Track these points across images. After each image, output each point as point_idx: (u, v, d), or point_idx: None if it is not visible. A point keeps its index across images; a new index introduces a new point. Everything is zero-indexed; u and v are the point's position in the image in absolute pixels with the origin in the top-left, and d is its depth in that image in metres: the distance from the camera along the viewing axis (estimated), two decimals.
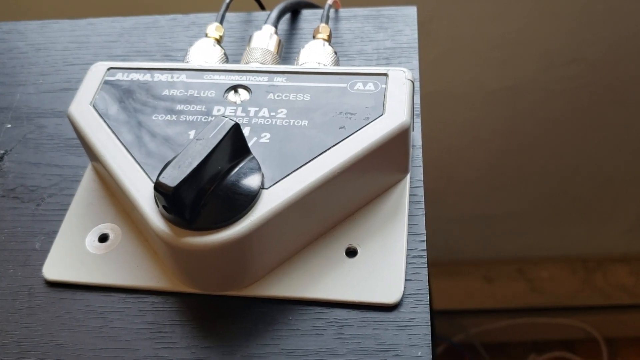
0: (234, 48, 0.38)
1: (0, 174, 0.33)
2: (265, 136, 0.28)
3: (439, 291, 0.95)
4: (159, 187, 0.24)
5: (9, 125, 0.36)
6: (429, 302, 0.27)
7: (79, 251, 0.29)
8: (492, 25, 0.68)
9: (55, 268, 0.29)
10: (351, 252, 0.28)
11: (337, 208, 0.28)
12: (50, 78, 0.38)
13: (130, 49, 0.39)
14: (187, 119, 0.29)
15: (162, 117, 0.29)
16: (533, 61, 0.72)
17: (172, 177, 0.23)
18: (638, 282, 1.03)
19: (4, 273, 0.29)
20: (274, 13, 0.36)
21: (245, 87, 0.30)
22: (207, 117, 0.29)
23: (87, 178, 0.32)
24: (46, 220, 0.31)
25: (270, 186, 0.26)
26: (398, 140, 0.28)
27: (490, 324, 1.02)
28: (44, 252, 0.30)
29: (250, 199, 0.25)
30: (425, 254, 0.28)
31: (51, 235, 0.30)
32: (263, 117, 0.29)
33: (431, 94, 0.73)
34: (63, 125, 0.35)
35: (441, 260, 1.02)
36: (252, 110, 0.29)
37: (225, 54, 0.34)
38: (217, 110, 0.29)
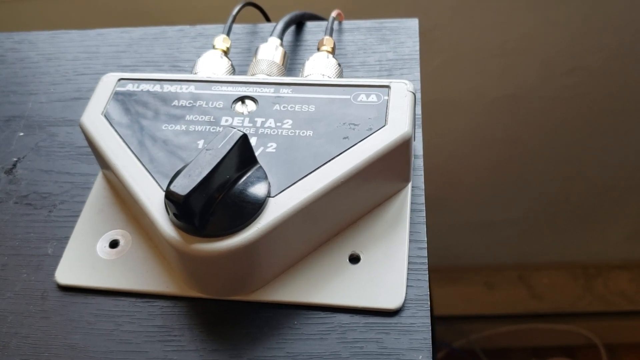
0: (241, 59, 0.39)
1: (13, 182, 0.34)
2: (271, 146, 0.29)
3: (440, 297, 0.96)
4: (170, 196, 0.24)
5: (22, 134, 0.37)
6: (429, 308, 0.27)
7: (91, 256, 0.30)
8: (493, 34, 0.69)
9: (67, 273, 0.30)
10: (354, 259, 0.29)
11: (340, 216, 0.29)
12: (61, 87, 0.39)
13: (139, 59, 0.40)
14: (196, 129, 0.30)
15: (171, 127, 0.30)
16: (533, 69, 0.73)
17: (183, 186, 0.24)
18: (638, 288, 1.03)
19: (18, 277, 0.30)
20: (280, 25, 0.37)
21: (252, 98, 0.31)
22: (215, 127, 0.30)
23: (98, 185, 0.33)
24: (58, 227, 0.32)
25: (277, 194, 0.27)
26: (400, 150, 0.29)
27: (491, 330, 1.03)
28: (57, 257, 0.30)
29: (257, 207, 0.26)
30: (426, 260, 0.29)
31: (63, 241, 0.31)
32: (269, 127, 0.29)
33: (432, 102, 0.74)
34: (74, 134, 0.36)
35: (442, 266, 1.03)
36: (259, 120, 0.30)
37: (232, 65, 0.35)
38: (225, 120, 0.30)
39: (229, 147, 0.26)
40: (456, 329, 1.03)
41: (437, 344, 0.97)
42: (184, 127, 0.30)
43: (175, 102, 0.31)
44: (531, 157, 0.85)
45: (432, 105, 0.73)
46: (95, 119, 0.31)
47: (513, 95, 0.76)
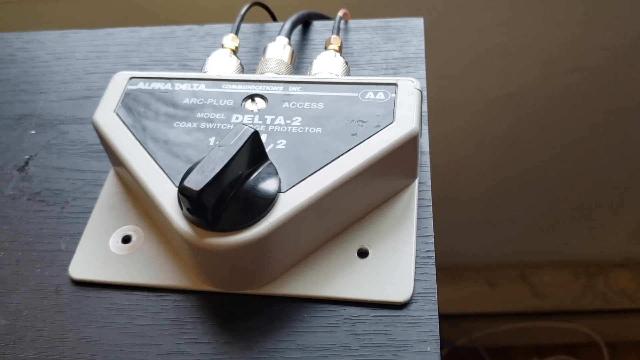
0: (249, 58, 0.39)
1: (25, 179, 0.35)
2: (281, 143, 0.29)
3: (442, 295, 0.95)
4: (184, 191, 0.25)
5: (33, 132, 0.37)
6: (437, 301, 0.28)
7: (103, 252, 0.31)
8: (495, 34, 0.70)
9: (80, 268, 0.30)
10: (363, 253, 0.29)
11: (349, 211, 0.30)
12: (72, 86, 0.40)
13: (148, 59, 0.41)
14: (207, 127, 0.30)
15: (182, 124, 0.31)
16: (535, 69, 0.74)
17: (197, 182, 0.25)
18: (639, 287, 1.04)
19: (32, 272, 0.31)
20: (287, 25, 0.37)
21: (262, 96, 0.31)
22: (226, 124, 0.30)
23: (110, 182, 0.34)
24: (71, 223, 0.32)
25: (287, 190, 0.27)
26: (407, 147, 0.29)
27: (493, 328, 1.04)
28: (70, 253, 0.31)
29: (268, 202, 0.26)
30: (434, 255, 0.29)
31: (76, 236, 0.32)
32: (279, 124, 0.30)
33: (434, 101, 0.74)
34: (85, 132, 0.37)
35: (444, 264, 1.03)
36: (269, 118, 0.30)
37: (241, 64, 0.35)
38: (235, 118, 0.31)
39: (240, 143, 0.26)
40: (458, 327, 1.03)
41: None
42: (194, 125, 0.31)
43: (186, 100, 0.32)
44: (532, 156, 0.86)
45: (433, 105, 0.73)
46: (108, 116, 0.32)
47: (514, 94, 0.76)
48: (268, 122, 0.30)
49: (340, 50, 0.36)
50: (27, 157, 0.36)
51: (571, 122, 0.81)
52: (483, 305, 1.05)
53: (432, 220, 0.31)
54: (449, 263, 1.03)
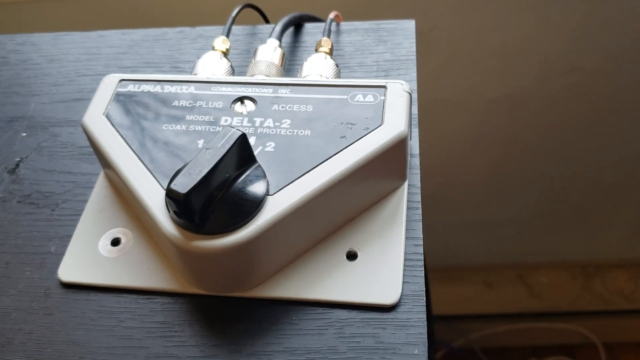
0: (240, 60, 0.39)
1: (16, 181, 0.35)
2: (270, 145, 0.29)
3: (439, 296, 0.96)
4: (170, 194, 0.25)
5: (24, 134, 0.37)
6: (425, 304, 0.28)
7: (93, 254, 0.31)
8: (492, 35, 0.70)
9: (70, 270, 0.30)
10: (352, 256, 0.29)
11: (338, 213, 0.30)
12: (63, 88, 0.40)
13: (139, 61, 0.41)
14: (196, 129, 0.30)
15: (172, 127, 0.31)
16: (532, 70, 0.74)
17: (183, 184, 0.25)
18: (637, 287, 1.04)
19: (22, 275, 0.31)
20: (278, 27, 0.37)
21: (251, 99, 0.31)
22: (214, 127, 0.30)
23: (100, 185, 0.34)
24: (61, 225, 0.32)
25: (275, 193, 0.27)
26: (396, 149, 0.29)
27: (490, 329, 1.04)
28: (59, 255, 0.31)
29: (256, 204, 0.26)
30: (422, 257, 0.29)
31: (66, 239, 0.32)
32: (268, 127, 0.30)
33: (432, 102, 0.74)
34: (76, 134, 0.37)
35: (441, 265, 1.03)
36: (258, 120, 0.30)
37: (231, 66, 0.35)
38: (224, 120, 0.31)
39: (228, 146, 0.26)
40: (455, 328, 1.03)
41: (436, 344, 0.98)
42: (184, 127, 0.31)
43: (176, 103, 0.32)
44: (529, 157, 0.86)
45: (431, 106, 0.73)
46: (97, 119, 0.32)
47: (511, 95, 0.76)
48: (257, 124, 0.30)
49: (331, 52, 0.36)
50: (18, 159, 0.36)
51: (568, 123, 0.81)
52: (480, 307, 1.05)
53: (421, 223, 0.31)
54: (446, 264, 1.03)
